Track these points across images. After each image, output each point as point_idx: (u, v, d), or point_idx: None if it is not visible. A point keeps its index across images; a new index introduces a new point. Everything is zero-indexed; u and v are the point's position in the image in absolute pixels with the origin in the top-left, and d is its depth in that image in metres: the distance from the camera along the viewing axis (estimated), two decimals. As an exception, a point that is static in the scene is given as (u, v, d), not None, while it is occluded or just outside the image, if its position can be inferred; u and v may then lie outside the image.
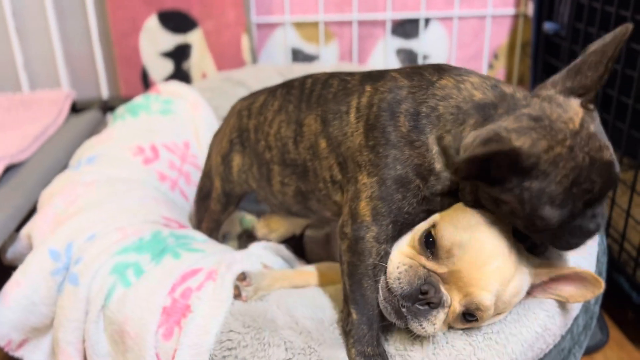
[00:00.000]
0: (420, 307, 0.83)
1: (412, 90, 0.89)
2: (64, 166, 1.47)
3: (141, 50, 1.98)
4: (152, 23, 1.95)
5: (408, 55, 2.07)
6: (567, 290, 0.92)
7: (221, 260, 1.02)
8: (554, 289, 0.92)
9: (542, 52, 1.88)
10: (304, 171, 1.02)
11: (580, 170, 0.76)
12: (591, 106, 0.81)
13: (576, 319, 1.03)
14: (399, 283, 0.84)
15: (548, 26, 1.79)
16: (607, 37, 0.83)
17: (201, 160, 1.58)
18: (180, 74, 2.00)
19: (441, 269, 0.84)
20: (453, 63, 2.06)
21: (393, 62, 2.06)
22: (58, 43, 1.99)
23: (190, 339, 0.89)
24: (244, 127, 1.14)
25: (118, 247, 1.03)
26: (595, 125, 0.80)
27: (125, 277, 0.98)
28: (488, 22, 2.03)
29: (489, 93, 0.85)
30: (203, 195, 1.29)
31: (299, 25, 2.02)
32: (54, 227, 1.10)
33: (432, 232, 0.86)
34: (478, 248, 0.84)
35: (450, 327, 0.90)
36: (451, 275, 0.84)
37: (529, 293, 0.92)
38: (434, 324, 0.84)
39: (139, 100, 1.62)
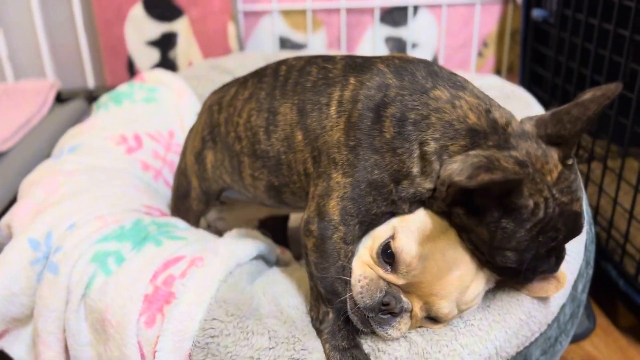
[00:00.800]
0: (384, 317, 0.84)
1: (401, 92, 0.86)
2: (46, 156, 1.45)
3: (127, 39, 1.96)
4: (137, 11, 1.92)
5: (397, 44, 2.05)
6: (532, 285, 0.92)
7: (205, 247, 1.01)
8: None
9: (531, 40, 1.88)
10: (277, 164, 0.97)
11: (550, 220, 0.79)
12: (570, 161, 0.82)
13: (563, 307, 1.03)
14: (362, 297, 0.84)
15: (537, 13, 1.78)
16: (598, 91, 0.82)
17: (186, 150, 1.56)
18: (167, 63, 1.98)
19: (400, 281, 0.84)
20: (442, 52, 2.06)
21: (382, 51, 2.05)
22: (42, 33, 1.96)
23: (174, 325, 0.88)
24: (214, 122, 1.09)
25: (98, 235, 1.02)
26: (572, 179, 0.82)
27: (106, 266, 0.97)
28: (477, 9, 2.02)
29: (482, 119, 0.83)
30: (180, 194, 1.23)
31: (286, 13, 2.00)
32: (34, 216, 1.09)
33: (391, 244, 0.85)
34: (438, 259, 0.83)
35: (420, 326, 0.90)
36: (411, 285, 0.84)
37: (496, 286, 0.93)
38: (398, 329, 0.86)
39: (122, 88, 1.59)
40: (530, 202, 0.78)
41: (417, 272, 0.83)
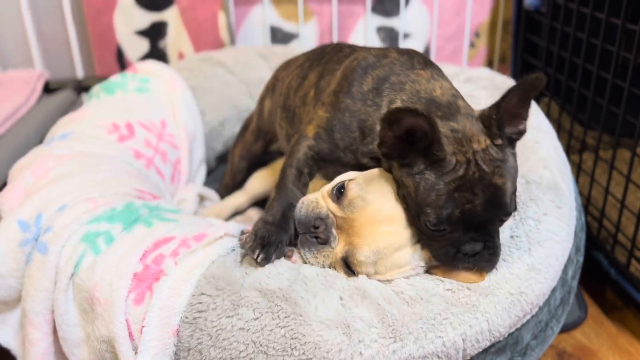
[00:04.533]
0: (310, 239, 0.96)
1: (394, 62, 1.01)
2: (35, 145, 1.43)
3: (116, 29, 1.94)
4: (126, 0, 1.90)
5: (389, 34, 2.04)
6: (460, 274, 0.96)
7: (196, 229, 1.01)
8: (450, 271, 0.97)
9: (523, 29, 1.88)
10: (293, 116, 1.18)
11: (467, 180, 0.86)
12: (498, 141, 0.89)
13: (553, 291, 1.04)
14: (301, 208, 0.97)
15: (529, 2, 1.79)
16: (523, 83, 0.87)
17: (178, 139, 1.56)
18: (156, 53, 1.96)
19: (339, 212, 0.95)
20: (434, 42, 2.06)
21: (373, 41, 2.04)
22: (30, 22, 1.94)
23: (161, 301, 0.88)
24: (277, 77, 1.38)
25: (89, 216, 1.01)
26: (499, 157, 0.88)
27: (95, 245, 0.96)
28: None
29: (445, 97, 0.94)
30: (242, 128, 1.58)
31: (277, 3, 1.99)
32: (23, 199, 1.08)
33: (346, 183, 0.97)
34: (377, 208, 0.93)
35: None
36: (345, 221, 0.94)
37: (429, 271, 0.98)
38: (315, 257, 0.96)
39: (115, 78, 1.59)
40: (453, 159, 0.87)
41: (356, 209, 0.93)
